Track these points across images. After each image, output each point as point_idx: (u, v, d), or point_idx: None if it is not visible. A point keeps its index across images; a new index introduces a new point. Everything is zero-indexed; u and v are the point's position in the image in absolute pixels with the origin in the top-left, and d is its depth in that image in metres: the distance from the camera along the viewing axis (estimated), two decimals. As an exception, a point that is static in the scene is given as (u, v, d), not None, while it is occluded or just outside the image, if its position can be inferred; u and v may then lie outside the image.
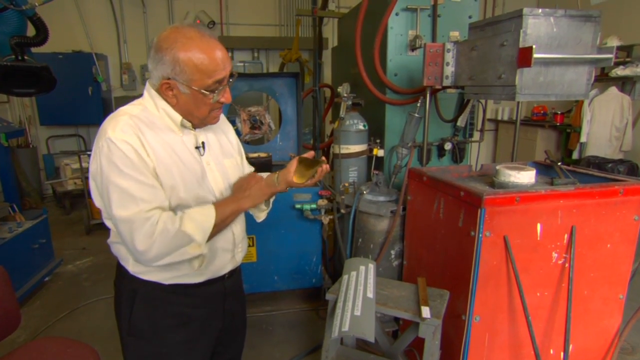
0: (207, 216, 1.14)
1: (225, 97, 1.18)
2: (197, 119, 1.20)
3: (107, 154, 1.06)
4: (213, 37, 1.15)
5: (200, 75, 1.10)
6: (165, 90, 1.14)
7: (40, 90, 2.88)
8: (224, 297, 1.35)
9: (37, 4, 2.63)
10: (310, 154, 1.34)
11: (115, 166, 1.05)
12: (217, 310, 1.34)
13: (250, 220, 1.48)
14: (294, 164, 1.29)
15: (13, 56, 2.70)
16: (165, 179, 1.12)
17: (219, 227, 1.17)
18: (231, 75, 1.19)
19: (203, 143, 1.24)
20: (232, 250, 1.32)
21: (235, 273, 1.39)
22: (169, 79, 1.11)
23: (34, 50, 2.87)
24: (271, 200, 1.46)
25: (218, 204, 1.18)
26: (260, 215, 1.49)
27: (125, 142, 1.06)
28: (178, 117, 1.17)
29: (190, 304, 1.26)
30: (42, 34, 2.77)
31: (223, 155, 1.32)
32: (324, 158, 1.31)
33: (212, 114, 1.21)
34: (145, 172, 1.08)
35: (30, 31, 2.78)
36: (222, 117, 1.44)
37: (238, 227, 1.34)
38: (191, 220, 1.11)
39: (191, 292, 1.25)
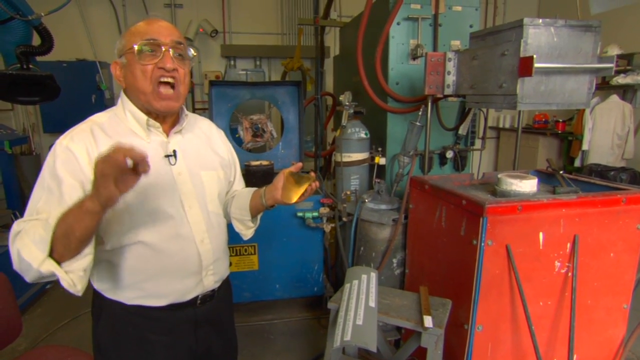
0: (44, 226, 0.92)
1: (162, 61, 1.06)
2: (143, 97, 1.09)
3: (49, 157, 1.05)
4: (163, 19, 1.13)
5: (133, 37, 1.07)
6: (116, 73, 1.13)
7: (44, 99, 2.90)
8: (194, 325, 1.23)
9: (43, 14, 2.67)
10: (297, 167, 1.22)
11: (45, 172, 1.04)
12: (185, 339, 1.22)
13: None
14: (280, 180, 1.21)
15: (18, 65, 2.73)
16: None
17: (66, 243, 0.92)
18: (180, 50, 1.09)
19: (175, 151, 1.16)
20: (198, 274, 1.19)
21: (211, 299, 1.26)
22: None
23: (38, 58, 2.90)
24: (258, 216, 1.38)
25: (65, 211, 0.92)
26: (247, 233, 1.38)
27: (68, 150, 1.04)
28: (143, 117, 1.12)
29: (154, 330, 1.17)
30: (47, 43, 2.80)
31: (200, 166, 1.23)
32: (312, 174, 1.20)
33: (157, 93, 1.08)
34: (63, 187, 1.01)
35: (36, 40, 2.82)
36: (213, 129, 1.37)
37: (207, 247, 1.20)
38: (27, 233, 0.93)
39: (155, 316, 1.16)
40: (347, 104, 2.69)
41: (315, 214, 2.68)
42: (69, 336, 2.78)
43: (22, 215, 3.34)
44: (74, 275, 0.96)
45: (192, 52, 1.16)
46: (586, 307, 1.77)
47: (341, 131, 2.70)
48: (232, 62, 6.08)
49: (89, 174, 1.01)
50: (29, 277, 0.95)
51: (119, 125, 1.13)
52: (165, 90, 1.09)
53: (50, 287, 3.41)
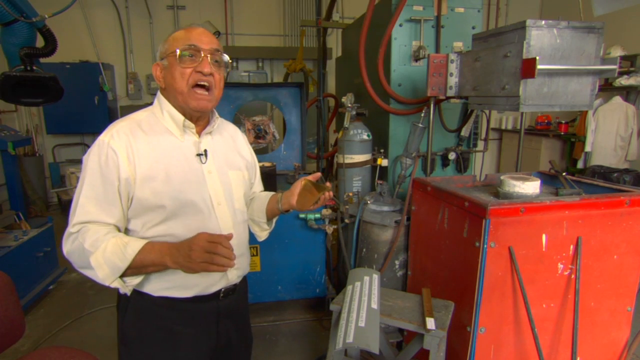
0: (121, 258, 1.06)
1: (200, 66, 1.15)
2: (180, 97, 1.17)
3: (92, 155, 1.13)
4: (203, 27, 1.21)
5: (175, 42, 1.16)
6: (157, 74, 1.21)
7: (47, 100, 2.92)
8: (217, 317, 1.28)
9: (47, 16, 2.68)
10: (315, 176, 1.31)
11: (91, 170, 1.12)
12: (208, 331, 1.28)
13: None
14: (297, 187, 1.28)
15: (22, 66, 2.75)
16: (148, 187, 1.13)
17: (136, 272, 1.10)
18: (217, 57, 1.19)
19: (205, 151, 1.24)
20: None
21: (233, 293, 1.32)
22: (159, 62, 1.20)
23: (42, 60, 2.92)
24: (274, 220, 1.46)
25: (144, 248, 1.08)
26: (262, 235, 1.47)
27: (110, 148, 1.11)
28: (180, 118, 1.20)
29: (179, 321, 1.23)
30: (51, 45, 2.81)
31: (228, 166, 1.31)
32: (328, 184, 1.27)
33: (193, 93, 1.16)
34: (108, 186, 1.11)
35: (39, 42, 2.83)
36: (238, 133, 1.46)
37: (233, 242, 1.24)
38: (103, 254, 1.06)
39: (180, 307, 1.21)
40: (349, 105, 2.69)
41: (318, 215, 2.68)
42: (71, 337, 2.78)
43: (25, 217, 3.31)
44: (131, 286, 1.14)
45: (227, 58, 1.24)
46: (589, 309, 1.77)
47: (343, 133, 2.70)
48: (234, 64, 6.10)
49: (126, 172, 1.11)
50: (84, 272, 1.11)
51: (156, 124, 1.20)
52: (200, 91, 1.17)
53: (53, 288, 3.42)
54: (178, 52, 1.13)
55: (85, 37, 5.65)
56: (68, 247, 1.11)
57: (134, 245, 1.07)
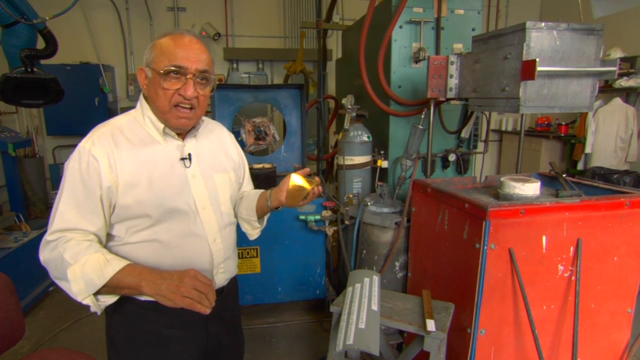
0: (99, 275, 1.02)
1: (183, 89, 1.11)
2: (160, 114, 1.15)
3: (72, 161, 1.11)
4: (193, 35, 1.17)
5: (161, 56, 1.11)
6: (141, 80, 1.17)
7: (48, 102, 2.92)
8: (205, 320, 1.26)
9: (47, 17, 2.69)
10: (304, 172, 1.27)
11: (71, 177, 1.10)
12: (197, 334, 1.27)
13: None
14: (286, 183, 1.25)
15: (23, 68, 2.75)
16: (130, 194, 1.12)
17: (110, 291, 1.06)
18: (204, 76, 1.14)
19: (190, 155, 1.21)
20: (209, 271, 1.24)
21: (221, 295, 1.30)
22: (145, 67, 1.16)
23: (42, 61, 2.92)
24: (265, 217, 1.43)
25: (124, 269, 1.04)
26: (253, 233, 1.45)
27: (91, 155, 1.09)
28: (160, 126, 1.17)
29: (166, 324, 1.21)
30: (52, 47, 2.82)
31: (214, 169, 1.28)
32: (317, 179, 1.24)
33: (174, 112, 1.13)
34: (89, 193, 1.09)
35: (40, 43, 2.84)
36: (225, 133, 1.43)
37: (219, 246, 1.26)
38: (82, 269, 1.02)
39: (167, 311, 1.16)
40: (349, 107, 2.69)
41: (318, 217, 2.68)
42: (71, 339, 2.78)
43: (25, 218, 3.31)
44: (103, 305, 1.09)
45: (213, 77, 1.20)
46: (590, 311, 1.76)
47: (343, 134, 2.70)
48: (234, 65, 6.10)
49: (108, 180, 1.10)
50: (58, 283, 1.07)
51: (138, 129, 1.18)
52: (182, 110, 1.14)
53: (53, 290, 3.42)
54: (161, 72, 1.09)
55: (85, 39, 5.65)
56: (46, 255, 1.07)
57: (114, 264, 1.04)
